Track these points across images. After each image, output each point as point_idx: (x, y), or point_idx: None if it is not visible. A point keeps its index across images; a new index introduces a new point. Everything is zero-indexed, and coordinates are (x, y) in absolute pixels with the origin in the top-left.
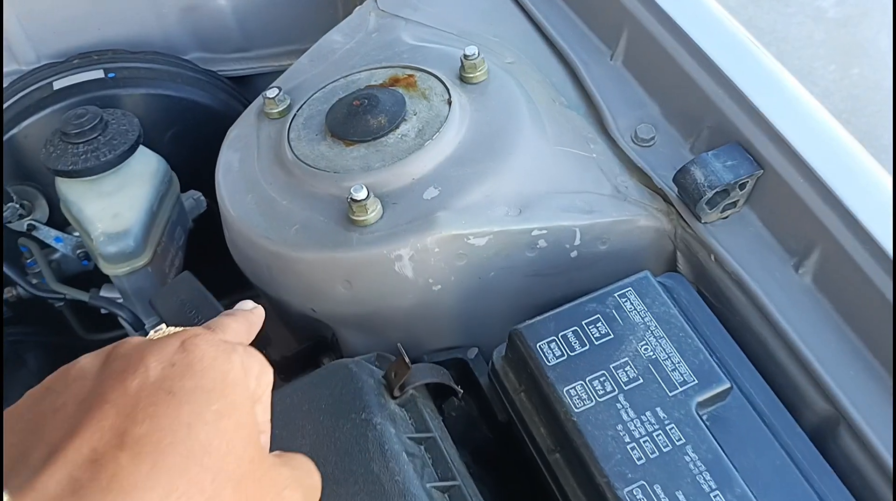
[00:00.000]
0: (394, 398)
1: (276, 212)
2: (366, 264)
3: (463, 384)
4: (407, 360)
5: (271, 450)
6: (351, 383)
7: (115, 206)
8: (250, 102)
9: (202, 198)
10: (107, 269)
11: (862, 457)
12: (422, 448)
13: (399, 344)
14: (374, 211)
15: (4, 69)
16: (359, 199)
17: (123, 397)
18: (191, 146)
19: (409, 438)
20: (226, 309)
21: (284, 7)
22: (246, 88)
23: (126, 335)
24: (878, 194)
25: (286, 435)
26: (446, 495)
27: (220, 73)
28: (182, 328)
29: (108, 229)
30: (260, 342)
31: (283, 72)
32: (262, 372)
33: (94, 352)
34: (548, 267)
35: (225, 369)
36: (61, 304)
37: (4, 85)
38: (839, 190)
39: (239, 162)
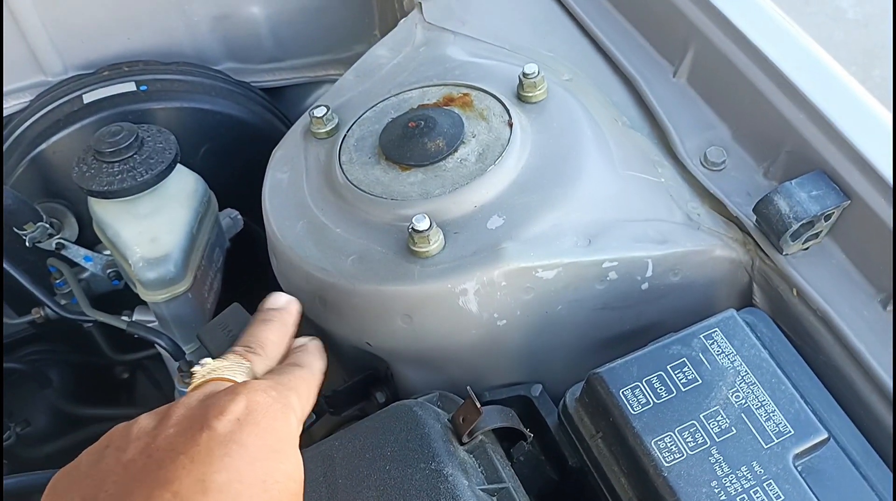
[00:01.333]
0: (462, 444)
1: (329, 241)
2: (428, 299)
3: (527, 423)
4: (478, 404)
5: None
6: (417, 428)
7: (154, 229)
8: (284, 115)
9: (239, 216)
10: (145, 295)
11: None
12: (494, 499)
13: (469, 387)
14: (436, 242)
15: (31, 80)
16: (421, 229)
17: (195, 447)
18: (225, 162)
19: (482, 490)
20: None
21: (318, 16)
22: (280, 100)
23: (158, 356)
24: None
25: (350, 486)
26: None
27: (253, 84)
28: (227, 360)
29: (146, 254)
30: None
31: (317, 83)
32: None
33: (150, 413)
34: (617, 300)
35: (286, 430)
36: (90, 324)
37: (31, 97)
38: None
39: (287, 185)
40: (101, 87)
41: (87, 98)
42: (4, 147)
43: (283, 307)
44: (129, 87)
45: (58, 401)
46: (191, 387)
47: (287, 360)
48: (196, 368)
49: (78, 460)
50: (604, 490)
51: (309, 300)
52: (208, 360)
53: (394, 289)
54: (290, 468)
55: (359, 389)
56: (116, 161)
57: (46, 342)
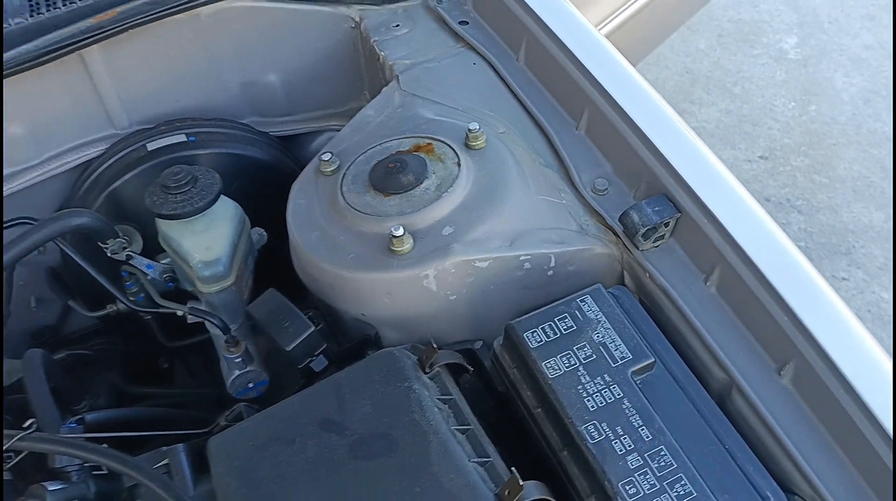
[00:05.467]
0: (425, 373)
1: (335, 245)
2: (402, 282)
3: (472, 367)
4: (435, 346)
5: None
6: (396, 363)
7: (207, 241)
8: (296, 157)
9: (264, 233)
10: (202, 288)
11: (750, 413)
12: (446, 406)
13: (430, 338)
14: (408, 244)
15: (105, 133)
16: (398, 235)
17: None
18: (251, 193)
19: (438, 399)
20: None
21: (321, 81)
22: (292, 145)
23: (195, 347)
24: (759, 230)
25: (353, 398)
26: (465, 435)
27: (271, 133)
28: None
29: (203, 258)
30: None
31: (320, 131)
32: None
33: None
34: (532, 282)
35: None
36: (149, 317)
37: (105, 146)
38: (731, 228)
39: (304, 208)
40: (160, 138)
41: (150, 146)
42: (86, 185)
43: None
44: (181, 138)
45: (117, 381)
46: None
47: None
48: None
49: None
50: (519, 401)
51: (321, 286)
52: None
53: (380, 276)
54: None
55: (356, 349)
56: (178, 193)
57: (109, 335)
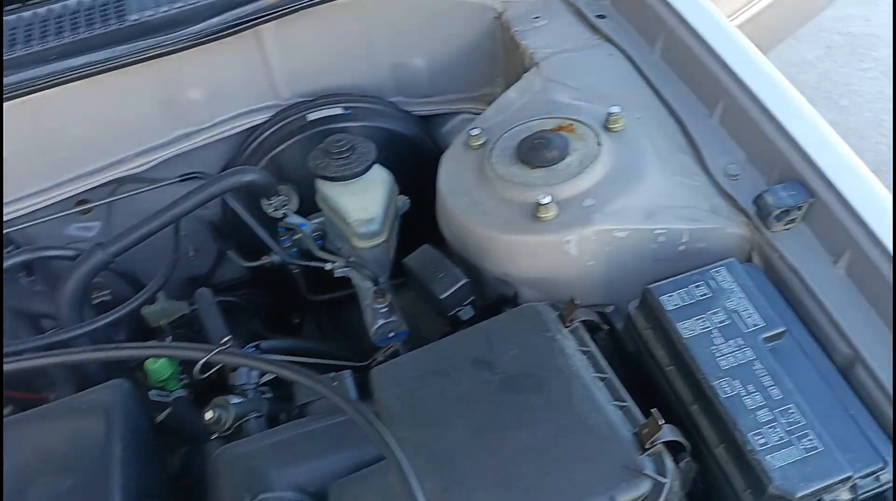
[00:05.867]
0: (566, 326)
1: (485, 209)
2: (546, 246)
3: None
4: (577, 302)
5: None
6: (539, 316)
7: (364, 201)
8: (434, 135)
9: (408, 200)
10: (358, 243)
11: (873, 386)
12: (584, 356)
13: (571, 296)
14: (553, 211)
15: (270, 103)
16: (544, 203)
17: None
18: (396, 163)
19: (577, 350)
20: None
21: (461, 66)
22: (428, 124)
23: (329, 304)
24: (888, 215)
25: (501, 343)
26: (602, 383)
27: (412, 111)
28: None
29: (360, 217)
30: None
31: (454, 113)
32: None
33: None
34: (664, 255)
35: None
36: (297, 270)
37: (270, 114)
38: (863, 213)
39: (454, 176)
40: (319, 110)
41: (310, 117)
42: (251, 149)
43: None
44: (338, 110)
45: (257, 329)
46: None
47: None
48: None
49: None
50: (651, 360)
51: (468, 247)
52: None
53: (526, 239)
54: None
55: (494, 305)
56: (340, 158)
57: (255, 286)
